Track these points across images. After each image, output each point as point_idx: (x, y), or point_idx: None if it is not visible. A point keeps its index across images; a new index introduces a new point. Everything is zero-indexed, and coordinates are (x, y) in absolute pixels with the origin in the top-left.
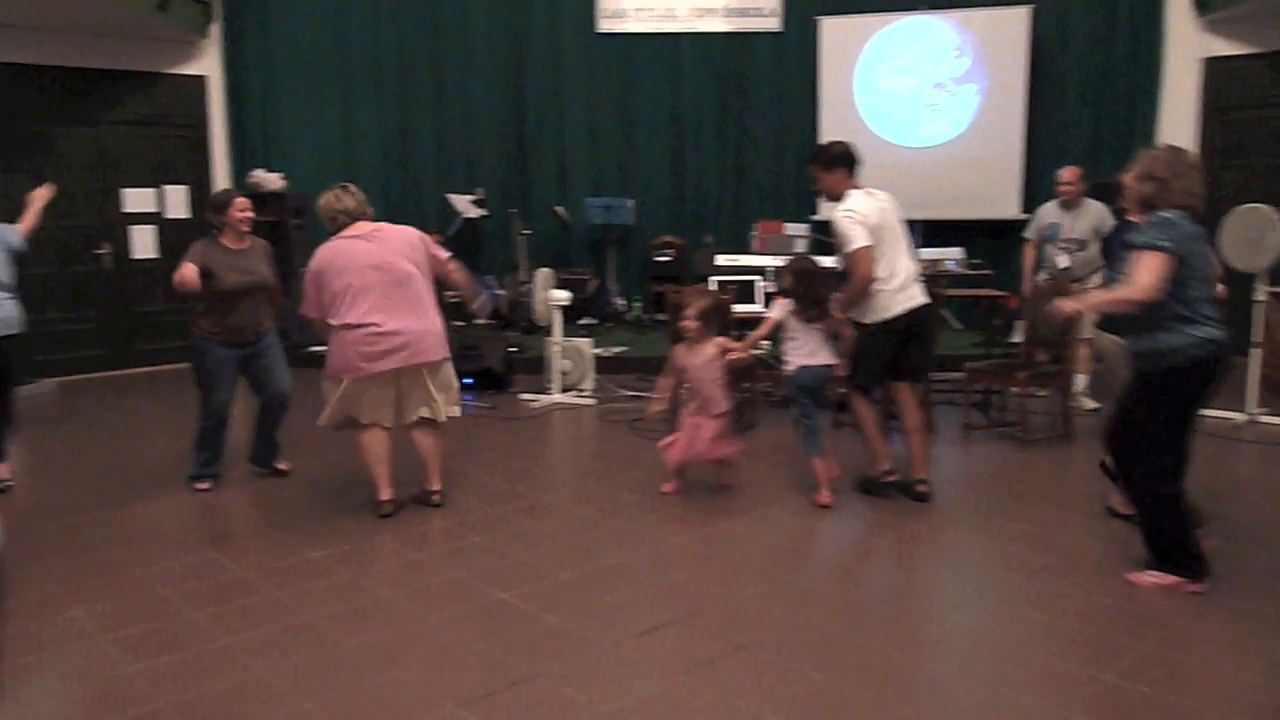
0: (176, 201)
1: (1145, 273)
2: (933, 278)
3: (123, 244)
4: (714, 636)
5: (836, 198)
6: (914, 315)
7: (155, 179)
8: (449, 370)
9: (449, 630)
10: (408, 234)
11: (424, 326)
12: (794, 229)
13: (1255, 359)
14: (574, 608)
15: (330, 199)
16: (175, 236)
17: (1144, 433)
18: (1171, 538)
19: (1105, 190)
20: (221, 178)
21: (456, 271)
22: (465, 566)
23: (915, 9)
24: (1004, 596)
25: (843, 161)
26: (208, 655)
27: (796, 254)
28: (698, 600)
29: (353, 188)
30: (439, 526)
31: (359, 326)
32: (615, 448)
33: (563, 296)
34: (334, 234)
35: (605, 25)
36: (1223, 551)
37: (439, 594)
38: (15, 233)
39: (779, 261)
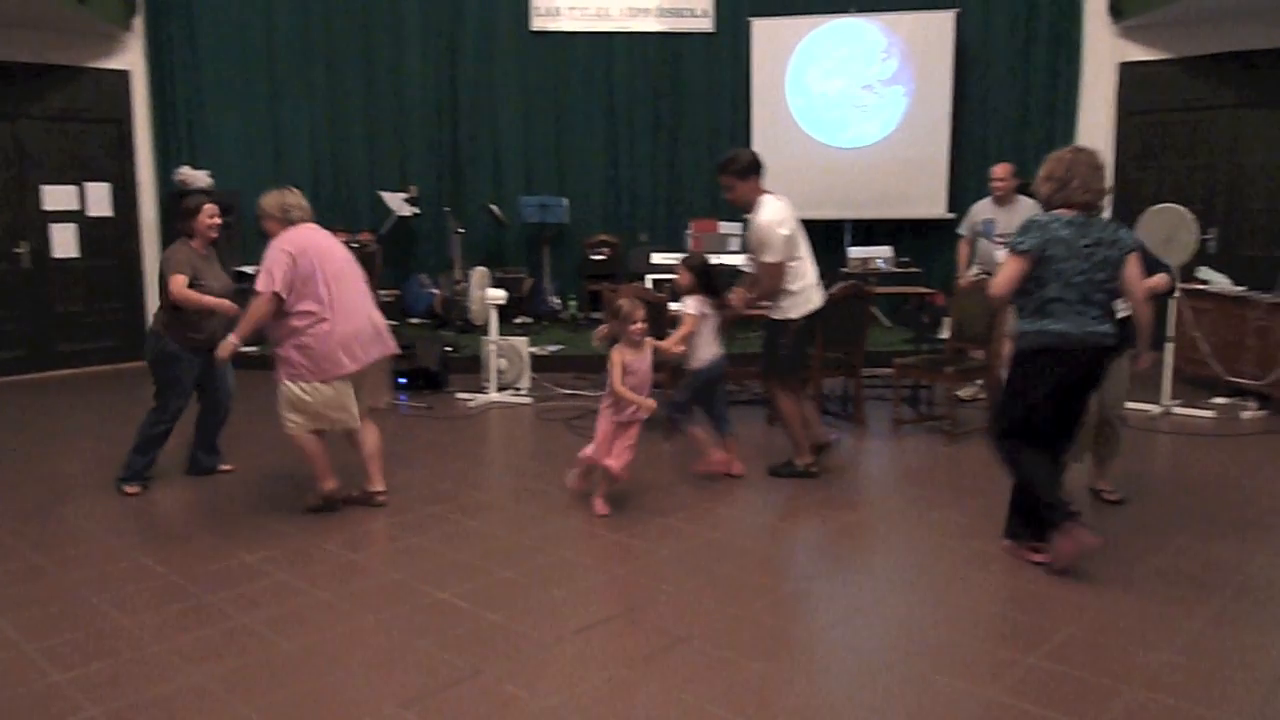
0: (99, 199)
1: (1002, 272)
2: (862, 276)
3: (42, 242)
4: (654, 630)
5: (749, 205)
6: (816, 314)
7: (76, 176)
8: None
9: (388, 631)
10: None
11: (380, 317)
12: (728, 227)
13: (1169, 353)
14: (514, 606)
15: (283, 195)
16: (98, 235)
17: (1001, 400)
18: (1026, 502)
19: (1029, 190)
20: (146, 175)
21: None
22: (404, 567)
23: (844, 12)
24: (934, 585)
25: (755, 169)
26: (140, 662)
27: (689, 251)
28: (637, 596)
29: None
30: (376, 528)
31: (346, 321)
32: (553, 446)
33: (499, 295)
34: (286, 226)
35: (539, 23)
36: (1139, 538)
37: (377, 595)
38: None
39: (713, 260)
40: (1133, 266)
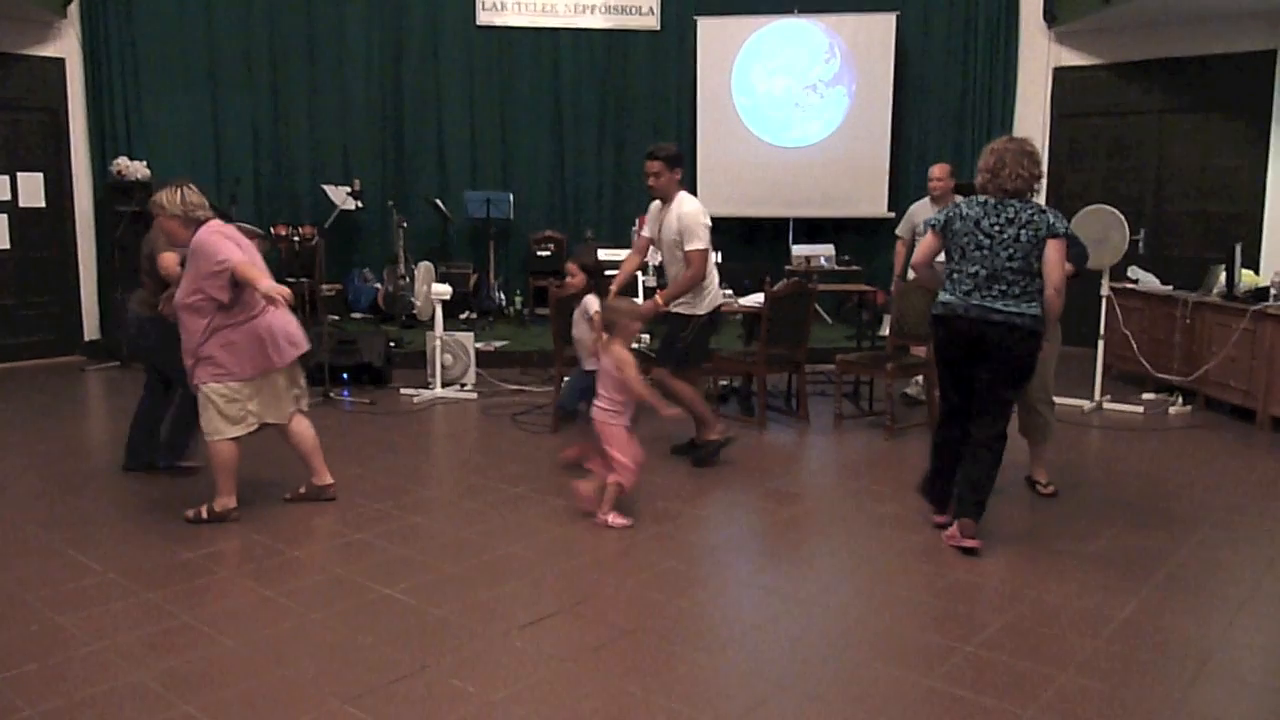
0: (31, 189)
1: (919, 245)
2: (805, 274)
3: None
4: (600, 624)
5: (668, 196)
6: (718, 311)
7: (8, 165)
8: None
9: (332, 627)
10: None
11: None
12: None
13: (1100, 350)
14: (460, 601)
15: (183, 191)
16: (30, 226)
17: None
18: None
19: (966, 191)
20: (81, 165)
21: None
22: (347, 563)
23: (788, 13)
24: (874, 576)
25: (681, 162)
26: (78, 661)
27: (581, 247)
28: (583, 590)
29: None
30: (318, 524)
31: (276, 315)
32: (498, 442)
33: (443, 291)
34: (189, 226)
35: (484, 18)
36: (1071, 528)
37: (321, 591)
38: None
39: (656, 258)
40: (1051, 251)
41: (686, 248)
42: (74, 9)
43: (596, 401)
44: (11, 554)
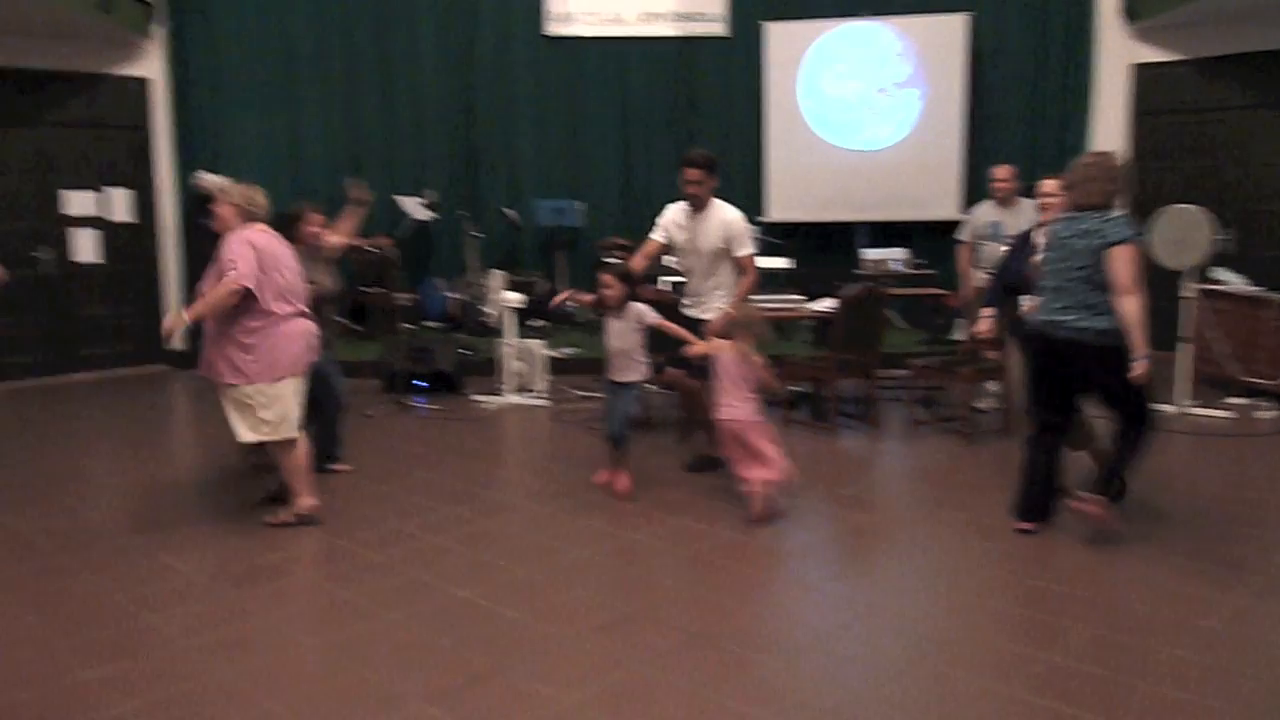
0: (120, 205)
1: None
2: (876, 278)
3: (63, 247)
4: (673, 628)
5: (704, 203)
6: None
7: (98, 182)
8: None
9: (411, 629)
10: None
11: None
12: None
13: (1184, 354)
14: (534, 604)
15: (253, 192)
16: (119, 240)
17: None
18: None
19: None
20: (166, 181)
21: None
22: (424, 566)
23: (857, 15)
24: (951, 584)
25: (718, 168)
26: (167, 659)
27: (614, 259)
28: (655, 594)
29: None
30: (394, 528)
31: (300, 316)
32: (569, 447)
33: (515, 298)
34: (243, 219)
35: (553, 29)
36: (1156, 536)
37: (399, 593)
38: None
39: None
40: (1112, 260)
41: (740, 253)
42: (159, 30)
43: (727, 404)
44: (104, 556)
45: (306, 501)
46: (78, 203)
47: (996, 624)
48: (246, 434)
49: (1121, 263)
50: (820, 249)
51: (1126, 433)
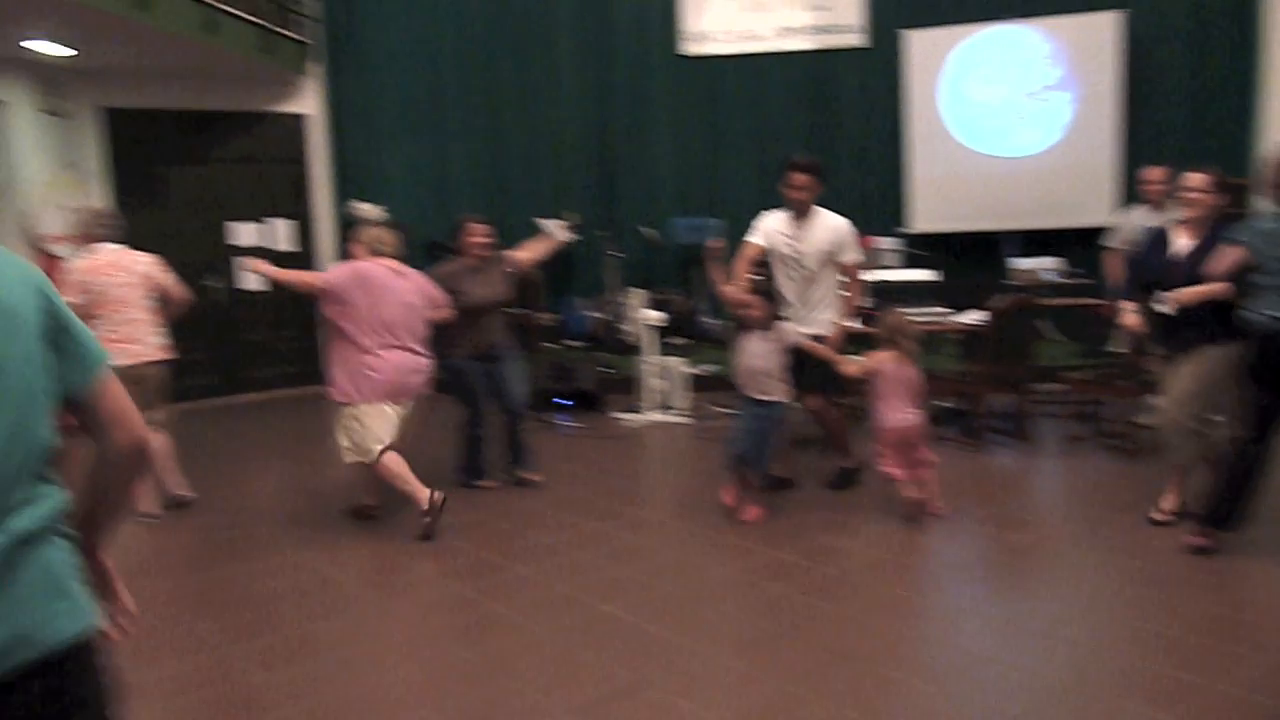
0: (282, 235)
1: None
2: (1028, 288)
3: (231, 276)
4: (818, 647)
5: (807, 209)
6: None
7: (261, 213)
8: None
9: (556, 642)
10: (421, 280)
11: (418, 361)
12: (883, 243)
13: None
14: (678, 620)
15: (380, 233)
16: (282, 268)
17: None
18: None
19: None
20: (323, 210)
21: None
22: (570, 581)
23: (1001, 18)
24: (1113, 608)
25: (823, 174)
26: (328, 666)
27: (758, 276)
28: (799, 612)
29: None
30: (542, 542)
31: (400, 350)
32: (710, 465)
33: (655, 317)
34: (369, 254)
35: (689, 48)
36: None
37: (545, 607)
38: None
39: (868, 276)
40: None
41: (847, 259)
42: (315, 68)
43: (893, 411)
44: (272, 567)
45: (424, 498)
46: (243, 234)
47: (1164, 650)
48: (341, 451)
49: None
50: (966, 260)
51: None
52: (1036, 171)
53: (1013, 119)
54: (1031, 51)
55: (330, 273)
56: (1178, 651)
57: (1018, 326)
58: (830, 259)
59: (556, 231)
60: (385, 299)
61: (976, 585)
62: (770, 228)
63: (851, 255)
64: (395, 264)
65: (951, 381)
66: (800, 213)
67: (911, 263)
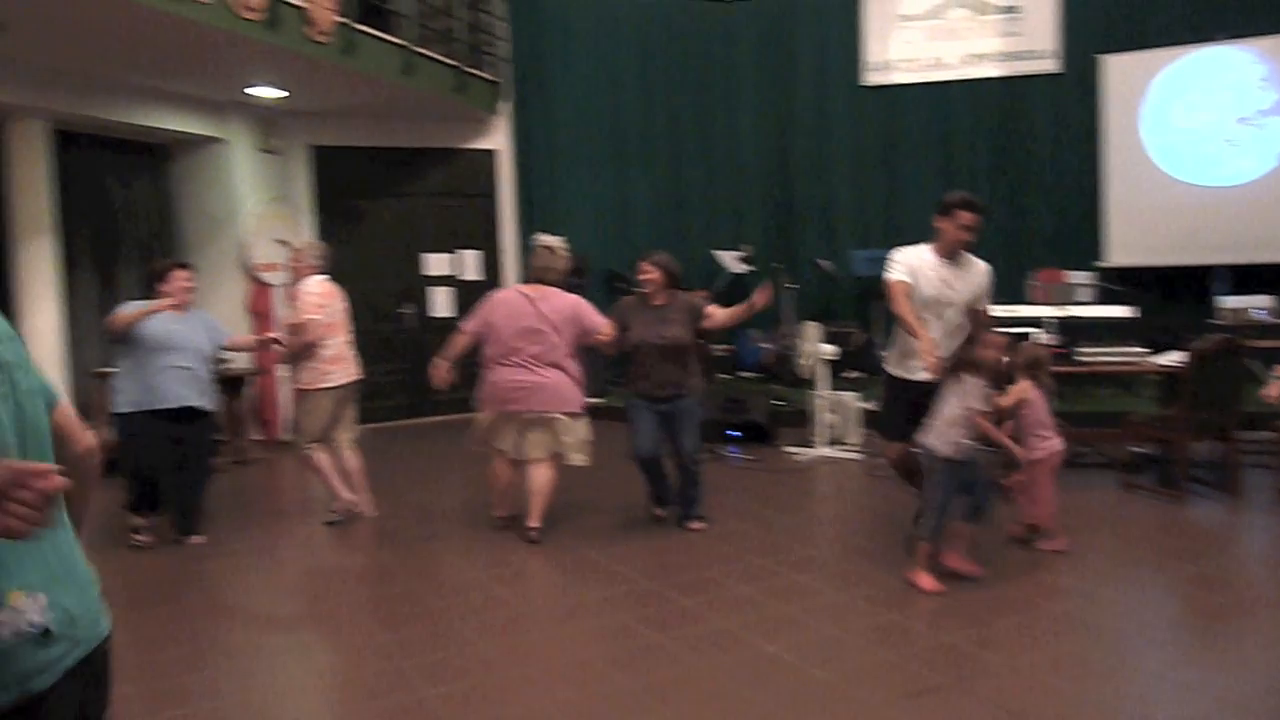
0: (471, 265)
1: None
2: (1236, 328)
3: (423, 304)
4: (988, 703)
5: (961, 252)
6: None
7: (452, 244)
8: (570, 422)
9: (716, 678)
10: (565, 305)
11: (541, 380)
12: (1076, 277)
13: None
14: (841, 664)
15: (551, 258)
16: (469, 297)
17: None
18: None
19: None
20: (510, 242)
21: (608, 340)
22: (732, 616)
23: (1210, 40)
24: None
25: None
26: (495, 684)
27: (989, 319)
28: (970, 664)
29: (557, 249)
30: (707, 575)
31: (511, 367)
32: (881, 503)
33: (829, 350)
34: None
35: (871, 79)
36: None
37: (706, 641)
38: (221, 329)
39: (1059, 312)
40: None
41: (985, 305)
42: (504, 106)
43: (1043, 437)
44: (451, 584)
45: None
46: (435, 264)
47: None
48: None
49: None
50: (1167, 296)
51: None
52: (1249, 201)
53: (1222, 146)
54: (1244, 74)
55: (470, 319)
56: None
57: (1224, 368)
58: (974, 303)
59: (731, 263)
60: (508, 321)
61: (1169, 648)
62: (916, 265)
63: (987, 300)
64: (537, 289)
65: (1149, 426)
66: (953, 255)
67: (1106, 298)
